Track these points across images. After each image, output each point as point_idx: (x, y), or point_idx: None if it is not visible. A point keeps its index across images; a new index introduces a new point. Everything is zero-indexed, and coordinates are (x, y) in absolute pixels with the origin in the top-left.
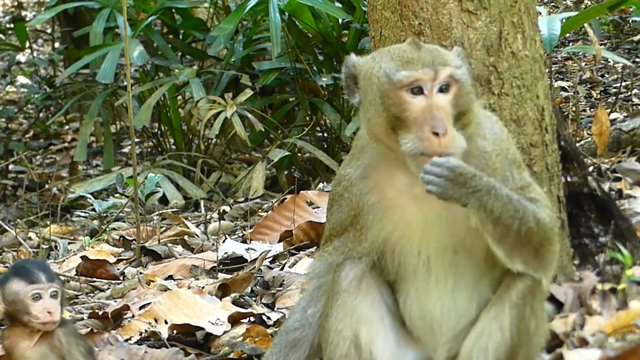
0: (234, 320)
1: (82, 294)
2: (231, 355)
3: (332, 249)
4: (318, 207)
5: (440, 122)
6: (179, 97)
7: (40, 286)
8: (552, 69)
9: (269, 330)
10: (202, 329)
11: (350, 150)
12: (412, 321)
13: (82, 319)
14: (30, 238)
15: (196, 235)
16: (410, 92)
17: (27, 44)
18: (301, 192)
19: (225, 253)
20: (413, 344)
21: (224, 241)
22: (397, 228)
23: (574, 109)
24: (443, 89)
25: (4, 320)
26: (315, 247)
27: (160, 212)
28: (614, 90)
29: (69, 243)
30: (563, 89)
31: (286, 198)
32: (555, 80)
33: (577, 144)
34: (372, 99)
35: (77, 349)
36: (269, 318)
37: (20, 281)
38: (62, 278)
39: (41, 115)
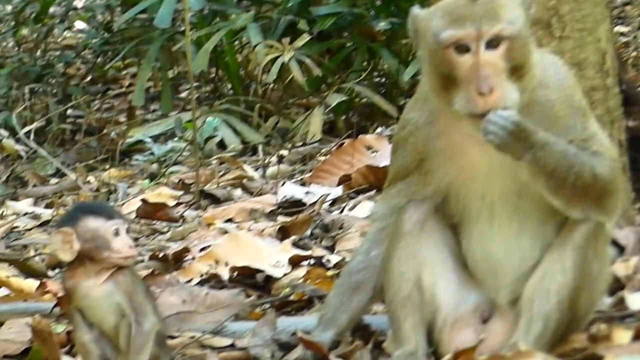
0: (294, 262)
1: (142, 237)
2: (292, 297)
3: (396, 192)
4: (376, 151)
5: (485, 81)
6: (237, 42)
7: (118, 222)
8: (612, 14)
9: (328, 273)
10: (263, 271)
11: (415, 94)
12: (474, 264)
13: (143, 261)
14: (89, 182)
15: (255, 178)
16: (456, 51)
17: None
18: (359, 136)
19: (284, 196)
20: (475, 287)
21: (282, 185)
22: (462, 172)
23: (633, 54)
24: (493, 45)
25: (63, 262)
26: (374, 191)
27: (218, 156)
28: None
29: (128, 187)
30: (622, 34)
31: (344, 142)
32: (614, 25)
33: (638, 89)
34: (425, 55)
35: (140, 287)
36: (328, 261)
37: (98, 218)
38: None
39: (99, 60)
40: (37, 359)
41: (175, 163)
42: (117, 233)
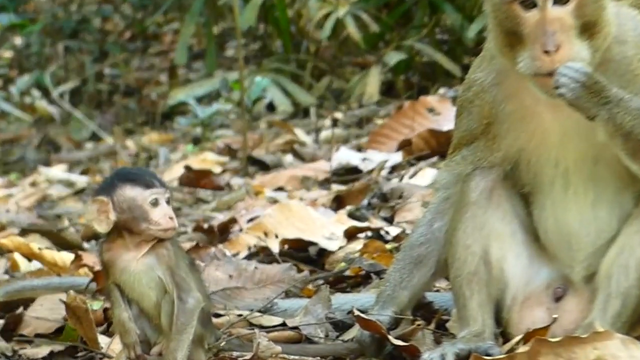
0: (350, 234)
1: (185, 206)
2: (347, 272)
3: (461, 159)
4: (439, 114)
5: (551, 38)
6: None
7: (158, 191)
8: None
9: (387, 246)
10: (316, 244)
11: (482, 52)
12: (547, 236)
13: (186, 232)
14: (127, 146)
15: (307, 143)
16: (522, 6)
17: None
18: (420, 97)
19: (339, 163)
20: (547, 261)
21: (337, 150)
22: (533, 137)
23: None
24: (562, 0)
25: (100, 234)
26: (436, 157)
27: (267, 119)
28: None
29: (170, 152)
30: None
31: (404, 104)
32: None
33: None
34: (490, 10)
35: (183, 261)
36: (387, 233)
37: (135, 186)
38: None
39: (138, 15)
40: (71, 338)
41: (221, 126)
42: (156, 203)
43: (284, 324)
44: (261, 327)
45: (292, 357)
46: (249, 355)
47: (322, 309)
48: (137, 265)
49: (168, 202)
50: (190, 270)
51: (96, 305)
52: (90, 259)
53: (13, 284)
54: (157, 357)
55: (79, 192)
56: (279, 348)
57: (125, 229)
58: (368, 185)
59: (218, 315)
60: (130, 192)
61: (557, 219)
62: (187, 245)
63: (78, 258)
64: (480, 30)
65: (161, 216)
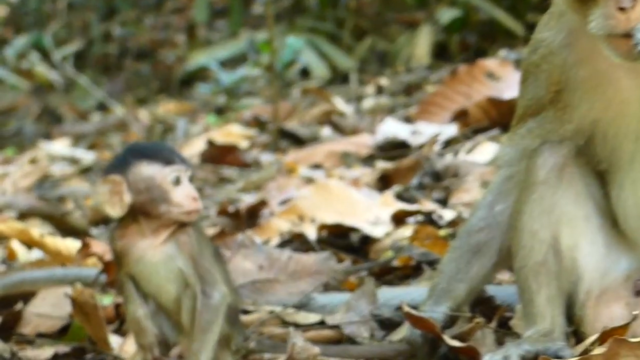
0: (398, 219)
1: (207, 186)
2: (395, 263)
3: (526, 131)
4: (500, 80)
5: None
6: None
7: (179, 168)
8: None
9: (441, 232)
10: (358, 230)
11: (549, 8)
12: (626, 220)
13: (209, 216)
14: (138, 118)
15: (347, 114)
16: None
17: None
18: (478, 61)
19: (384, 136)
20: (626, 249)
21: (382, 122)
22: (610, 107)
23: None
24: None
25: (111, 218)
26: (497, 129)
27: (301, 86)
28: None
29: (189, 124)
30: None
31: (459, 68)
32: None
33: None
34: None
35: (207, 250)
36: (440, 217)
37: (153, 163)
38: None
39: None
40: (77, 338)
41: (248, 95)
42: (177, 182)
43: (322, 322)
44: (296, 325)
45: (331, 359)
46: (282, 357)
47: (366, 305)
48: (154, 254)
49: (191, 180)
50: (215, 260)
51: (107, 299)
52: (100, 246)
53: (11, 276)
54: None
55: (85, 171)
56: (317, 349)
57: (142, 212)
58: (418, 161)
59: (247, 312)
60: (148, 170)
61: (637, 201)
62: (211, 231)
63: (85, 246)
64: None
65: (184, 197)
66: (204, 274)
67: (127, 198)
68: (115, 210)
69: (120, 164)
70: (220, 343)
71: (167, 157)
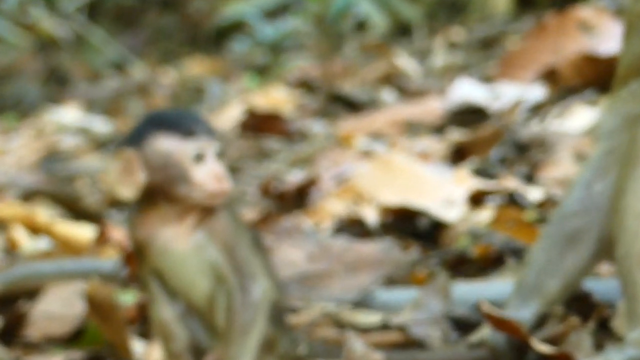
0: (475, 199)
1: (246, 161)
2: (471, 252)
3: (630, 95)
4: (595, 32)
5: None
6: None
7: (203, 141)
8: None
9: (526, 215)
10: (427, 212)
11: None
12: None
13: (248, 197)
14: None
15: (412, 74)
16: None
17: None
18: (569, 9)
19: (457, 101)
20: None
21: (454, 83)
22: None
23: None
24: None
25: (127, 202)
26: (593, 92)
27: (358, 41)
28: None
29: (223, 86)
30: None
31: (546, 19)
32: None
33: None
34: None
35: (245, 237)
36: (526, 197)
37: (171, 135)
38: None
39: None
40: (93, 343)
41: (294, 51)
42: (200, 158)
43: (384, 323)
44: (354, 326)
45: None
46: None
47: (438, 302)
48: (181, 244)
49: (218, 156)
50: (255, 249)
51: (128, 297)
52: (119, 233)
53: (13, 270)
54: None
55: (100, 143)
56: (378, 356)
57: (160, 194)
58: (498, 130)
59: (294, 311)
60: (165, 144)
61: None
62: (250, 215)
63: (102, 232)
64: None
65: (206, 176)
66: (241, 266)
67: (141, 177)
68: (128, 191)
69: (135, 137)
70: (262, 348)
71: (188, 127)
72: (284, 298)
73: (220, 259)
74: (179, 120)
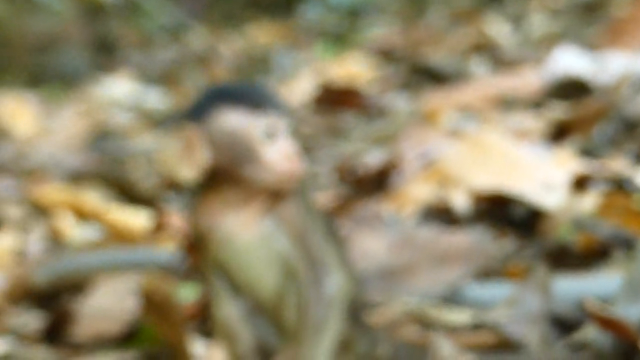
0: (578, 183)
1: (319, 140)
2: (574, 243)
3: None
4: None
5: None
6: None
7: (273, 116)
8: None
9: (636, 201)
10: (524, 198)
11: None
12: None
13: (321, 180)
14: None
15: (504, 42)
16: None
17: None
18: None
19: (557, 72)
20: None
21: (553, 53)
22: None
23: None
24: None
25: (186, 185)
26: None
27: (444, 6)
28: None
29: (293, 55)
30: None
31: None
32: None
33: None
34: None
35: (319, 226)
36: (635, 180)
37: (237, 110)
38: None
39: None
40: (148, 344)
41: (373, 17)
42: (270, 136)
43: (476, 321)
44: (441, 325)
45: None
46: None
47: (536, 299)
48: (247, 234)
49: (290, 134)
50: (330, 239)
51: (188, 292)
52: (179, 220)
53: (58, 262)
54: None
55: (156, 120)
56: (469, 359)
57: (226, 176)
58: (604, 106)
59: (374, 308)
60: (230, 119)
61: None
62: (325, 200)
63: (159, 219)
64: None
65: (278, 156)
66: (314, 258)
67: (204, 157)
68: (189, 174)
69: (196, 112)
70: (338, 349)
71: (257, 101)
72: (363, 293)
73: (291, 249)
74: (246, 93)
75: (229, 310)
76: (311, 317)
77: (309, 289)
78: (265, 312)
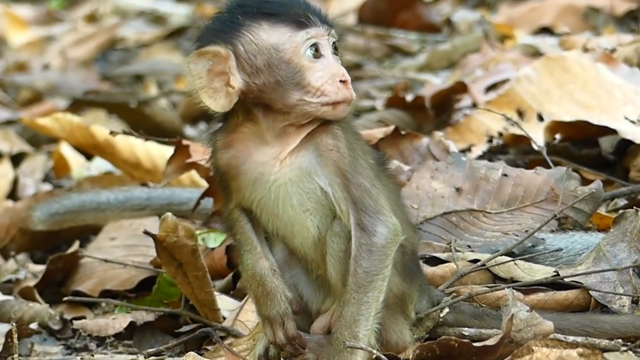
0: None
1: (369, 61)
2: None
3: None
4: None
5: None
6: None
7: (319, 31)
8: None
9: None
10: (614, 131)
11: None
12: None
13: (373, 108)
14: None
15: None
16: None
17: None
18: None
19: None
20: None
21: None
22: None
23: None
24: None
25: (212, 115)
26: None
27: None
28: None
29: None
30: None
31: None
32: None
33: None
34: None
35: (366, 161)
36: None
37: (277, 25)
38: None
39: None
40: (166, 302)
41: None
42: (317, 53)
43: (556, 277)
44: (515, 281)
45: (570, 339)
46: (493, 337)
47: (627, 252)
48: (281, 170)
49: (337, 53)
50: (380, 177)
51: (214, 241)
52: (201, 154)
53: (61, 200)
54: (323, 337)
55: (174, 34)
56: (550, 325)
57: (260, 104)
58: None
59: (436, 261)
60: (270, 36)
61: None
62: (375, 132)
63: (178, 153)
64: None
65: (327, 78)
66: (361, 199)
67: (237, 82)
68: (218, 103)
69: (226, 27)
70: (390, 308)
71: (299, 14)
72: (419, 242)
73: (334, 189)
74: (285, 4)
75: (260, 262)
76: (358, 269)
77: (355, 235)
78: (304, 263)
